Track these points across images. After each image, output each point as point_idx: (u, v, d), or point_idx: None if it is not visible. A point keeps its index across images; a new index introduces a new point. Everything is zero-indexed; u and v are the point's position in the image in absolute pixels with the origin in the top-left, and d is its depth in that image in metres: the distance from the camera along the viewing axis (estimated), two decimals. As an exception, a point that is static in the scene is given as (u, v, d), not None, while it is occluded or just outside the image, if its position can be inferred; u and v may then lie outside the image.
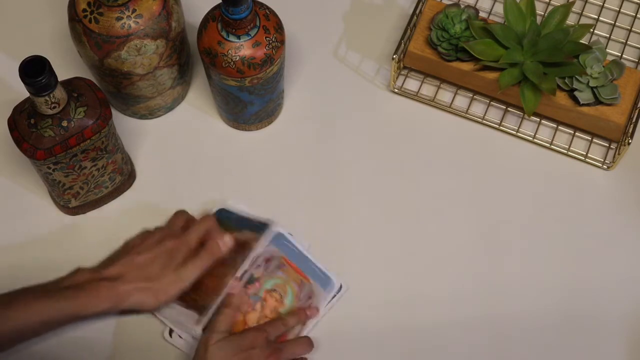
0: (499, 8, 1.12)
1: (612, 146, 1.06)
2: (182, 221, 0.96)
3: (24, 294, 0.87)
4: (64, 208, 1.01)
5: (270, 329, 0.92)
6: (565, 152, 1.05)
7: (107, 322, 0.95)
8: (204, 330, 0.91)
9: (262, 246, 0.95)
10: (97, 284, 0.88)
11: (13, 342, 0.87)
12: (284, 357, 0.91)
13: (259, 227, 0.97)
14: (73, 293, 0.87)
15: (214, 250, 0.93)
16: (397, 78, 1.09)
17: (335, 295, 0.97)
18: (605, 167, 1.05)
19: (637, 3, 1.14)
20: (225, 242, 0.93)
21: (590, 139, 1.06)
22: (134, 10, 0.92)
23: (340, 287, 0.97)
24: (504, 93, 1.04)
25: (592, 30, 1.11)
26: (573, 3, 1.03)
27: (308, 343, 0.94)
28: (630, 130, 0.99)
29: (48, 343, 0.92)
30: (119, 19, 0.92)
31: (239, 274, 0.93)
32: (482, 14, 1.11)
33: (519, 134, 1.07)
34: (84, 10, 0.93)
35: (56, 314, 0.86)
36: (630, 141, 0.98)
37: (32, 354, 0.93)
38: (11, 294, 0.87)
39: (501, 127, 1.07)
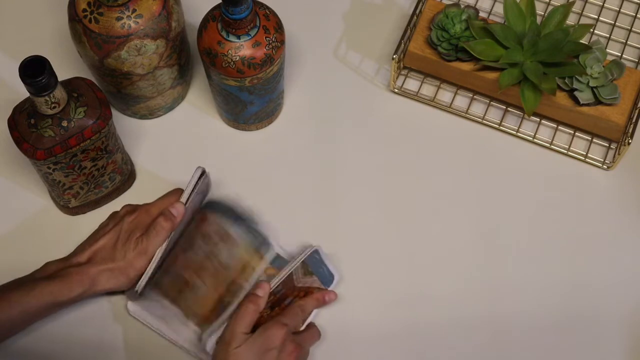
0: (499, 8, 1.12)
1: (612, 146, 1.06)
2: (167, 201, 0.97)
3: None
4: (64, 208, 1.01)
5: (290, 321, 0.90)
6: (565, 152, 1.05)
7: (115, 327, 0.96)
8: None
9: (298, 262, 0.94)
10: (67, 270, 0.90)
11: None
12: (306, 349, 0.91)
13: (327, 277, 0.97)
14: (46, 282, 0.89)
15: (166, 217, 0.93)
16: (397, 78, 1.09)
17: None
18: (605, 167, 1.05)
19: (637, 3, 1.14)
20: (177, 207, 0.93)
21: (590, 139, 1.06)
22: (134, 10, 0.92)
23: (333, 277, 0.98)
24: (504, 93, 1.04)
25: (592, 30, 1.11)
26: (573, 3, 1.03)
27: (318, 332, 0.93)
28: (630, 130, 0.99)
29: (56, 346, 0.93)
30: (119, 19, 0.92)
31: (273, 283, 0.91)
32: (482, 14, 1.11)
33: (519, 134, 1.07)
34: (84, 10, 0.93)
35: (34, 303, 0.88)
36: (630, 141, 0.98)
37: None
38: None
39: (501, 127, 1.07)
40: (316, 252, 0.95)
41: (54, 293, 0.89)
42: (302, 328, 0.94)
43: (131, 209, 0.96)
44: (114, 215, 0.97)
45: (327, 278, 0.97)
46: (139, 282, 0.92)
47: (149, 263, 0.92)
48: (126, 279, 0.92)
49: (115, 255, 0.92)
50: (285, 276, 0.92)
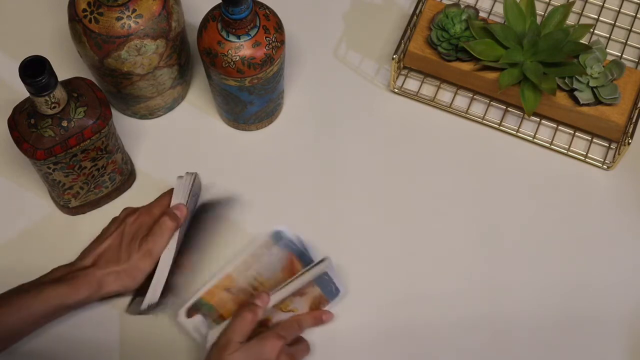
0: (499, 8, 1.12)
1: (612, 146, 1.06)
2: (164, 200, 0.97)
3: (7, 294, 0.89)
4: (64, 208, 1.01)
5: (287, 334, 0.90)
6: (565, 152, 1.05)
7: (112, 323, 0.96)
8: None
9: (306, 281, 0.92)
10: (73, 274, 0.90)
11: (3, 342, 0.88)
12: None
13: (308, 260, 0.96)
14: (54, 286, 0.89)
15: (171, 217, 0.93)
16: (397, 78, 1.09)
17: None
18: (605, 167, 1.05)
19: (637, 3, 1.14)
20: (180, 209, 0.94)
21: (590, 139, 1.06)
22: (134, 10, 0.92)
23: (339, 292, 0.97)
24: (504, 93, 1.04)
25: (592, 30, 1.11)
26: (573, 3, 1.03)
27: (308, 346, 0.93)
28: (630, 130, 0.99)
29: (53, 345, 0.93)
30: (119, 19, 0.92)
31: (276, 298, 0.91)
32: (482, 14, 1.11)
33: (519, 134, 1.07)
34: (84, 10, 0.93)
35: (41, 308, 0.88)
36: (630, 141, 0.98)
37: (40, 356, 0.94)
38: None
39: (501, 127, 1.07)
40: (326, 274, 0.93)
41: (61, 296, 0.89)
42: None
43: (132, 211, 0.96)
44: (115, 219, 0.97)
45: (333, 293, 0.96)
46: (150, 296, 0.92)
47: (154, 264, 0.92)
48: (132, 281, 0.92)
49: (119, 257, 0.92)
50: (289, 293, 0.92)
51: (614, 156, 1.04)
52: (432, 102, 1.08)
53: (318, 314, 0.94)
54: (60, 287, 0.89)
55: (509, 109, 1.08)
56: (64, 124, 0.87)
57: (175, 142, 1.07)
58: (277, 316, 0.93)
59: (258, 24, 0.93)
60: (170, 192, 0.97)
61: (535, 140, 1.06)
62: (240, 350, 0.86)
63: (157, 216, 0.94)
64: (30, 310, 0.88)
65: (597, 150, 1.06)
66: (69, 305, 0.90)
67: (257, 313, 0.89)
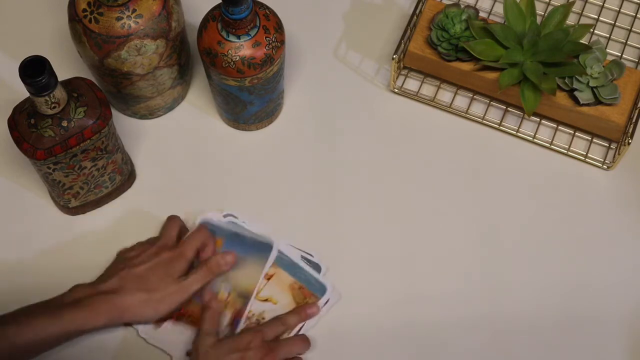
0: (499, 8, 1.12)
1: (612, 146, 1.06)
2: (175, 230, 0.97)
3: (25, 312, 0.88)
4: (64, 208, 1.01)
5: (267, 330, 0.91)
6: (565, 152, 1.05)
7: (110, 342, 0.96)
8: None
9: (267, 268, 0.95)
10: (96, 298, 0.89)
11: None
12: (280, 357, 0.91)
13: (261, 247, 0.98)
14: (73, 309, 0.88)
15: (214, 267, 0.94)
16: (397, 78, 1.09)
17: (327, 302, 0.96)
18: (605, 167, 1.05)
19: (637, 3, 1.14)
20: (228, 261, 0.95)
21: (590, 139, 1.06)
22: (134, 10, 0.92)
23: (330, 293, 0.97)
24: (504, 93, 1.04)
25: (592, 30, 1.11)
26: (573, 3, 1.03)
27: (304, 341, 0.93)
28: (630, 130, 0.99)
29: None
30: (119, 19, 0.92)
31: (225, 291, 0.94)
32: (482, 14, 1.11)
33: (519, 134, 1.07)
34: (84, 10, 0.93)
35: (57, 331, 0.87)
36: (630, 141, 0.98)
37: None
38: (12, 313, 0.87)
39: (501, 127, 1.07)
40: (281, 252, 0.95)
41: (79, 321, 0.87)
42: (289, 335, 0.94)
43: (167, 245, 0.94)
44: (142, 246, 0.95)
45: (313, 285, 0.96)
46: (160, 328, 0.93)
47: (185, 301, 0.92)
48: (154, 313, 0.91)
49: (149, 286, 0.90)
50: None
51: (614, 156, 1.04)
52: (432, 102, 1.08)
53: (301, 309, 0.94)
54: (80, 312, 0.88)
55: (509, 109, 1.08)
56: (64, 124, 0.87)
57: (175, 142, 1.07)
58: (255, 306, 0.94)
59: (258, 24, 0.93)
60: (196, 232, 0.96)
61: (535, 140, 1.06)
62: (218, 342, 0.88)
63: (191, 259, 0.94)
64: (46, 332, 0.86)
65: (597, 150, 1.06)
66: (86, 331, 0.89)
67: (215, 299, 0.93)
